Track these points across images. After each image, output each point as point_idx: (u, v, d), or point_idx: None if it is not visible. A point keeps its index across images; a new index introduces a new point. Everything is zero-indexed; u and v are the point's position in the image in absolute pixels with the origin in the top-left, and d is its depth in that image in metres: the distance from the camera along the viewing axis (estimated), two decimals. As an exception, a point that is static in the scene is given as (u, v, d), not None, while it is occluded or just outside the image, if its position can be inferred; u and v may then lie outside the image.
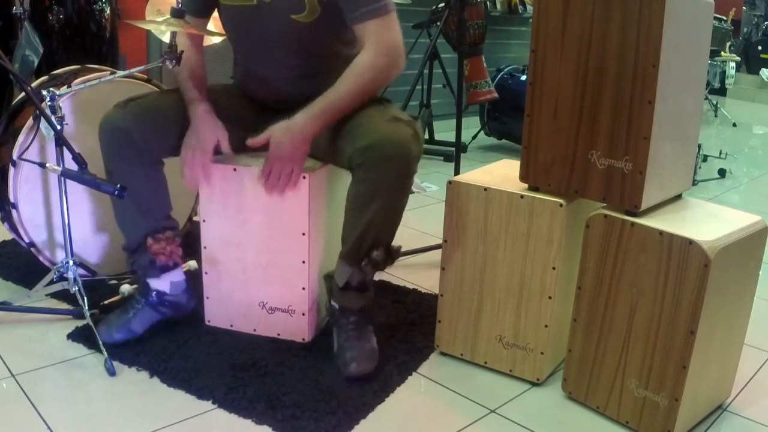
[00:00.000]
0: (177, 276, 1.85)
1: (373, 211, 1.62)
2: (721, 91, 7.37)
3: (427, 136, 4.35)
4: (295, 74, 1.79)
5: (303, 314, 1.85)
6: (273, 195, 1.73)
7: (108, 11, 2.92)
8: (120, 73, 1.93)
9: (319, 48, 1.75)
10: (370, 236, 1.65)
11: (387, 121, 1.61)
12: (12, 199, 1.99)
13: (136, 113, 1.71)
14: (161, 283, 1.83)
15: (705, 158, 4.23)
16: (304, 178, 1.76)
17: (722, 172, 4.11)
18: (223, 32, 1.86)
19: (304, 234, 1.79)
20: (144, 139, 1.70)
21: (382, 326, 1.94)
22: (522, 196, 1.66)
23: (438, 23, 3.47)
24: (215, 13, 1.86)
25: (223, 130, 1.74)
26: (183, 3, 1.73)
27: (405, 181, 1.62)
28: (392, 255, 1.72)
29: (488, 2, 4.69)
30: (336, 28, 1.72)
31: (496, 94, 4.01)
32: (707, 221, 1.56)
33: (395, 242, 1.73)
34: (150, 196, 1.77)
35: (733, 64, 6.56)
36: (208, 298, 1.93)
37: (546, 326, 1.69)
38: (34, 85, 2.09)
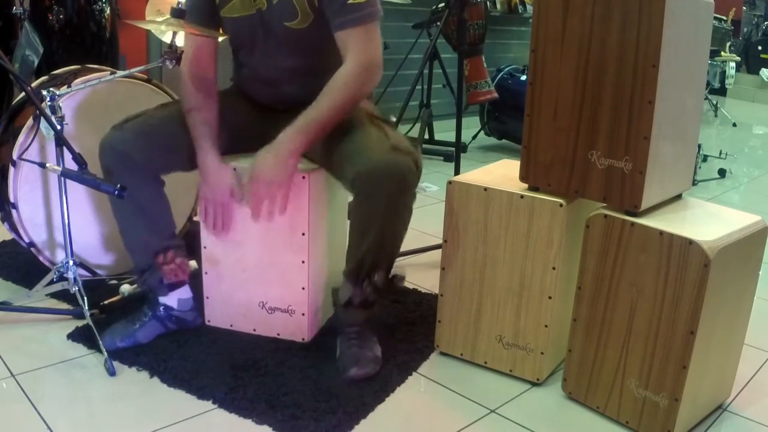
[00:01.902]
0: (185, 293, 1.87)
1: (371, 237, 1.63)
2: (721, 91, 7.37)
3: (427, 136, 4.35)
4: (295, 75, 1.80)
5: (303, 314, 1.85)
6: (261, 218, 1.71)
7: (108, 11, 2.92)
8: (120, 73, 1.93)
9: (315, 50, 1.76)
10: (369, 258, 1.67)
11: (386, 150, 1.60)
12: (12, 199, 1.99)
13: (136, 135, 1.71)
14: (169, 299, 1.84)
15: (705, 158, 4.23)
16: (303, 178, 1.76)
17: (722, 172, 4.11)
18: (223, 33, 1.86)
19: (303, 234, 1.79)
20: (146, 160, 1.71)
21: (382, 326, 1.94)
22: (522, 196, 1.66)
23: (438, 23, 3.47)
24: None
25: (234, 176, 1.76)
26: (189, 19, 1.74)
27: (402, 210, 1.64)
28: (393, 281, 1.75)
29: (488, 2, 4.69)
30: (329, 31, 1.73)
31: (496, 94, 4.01)
32: (707, 221, 1.56)
33: (399, 271, 1.75)
34: (156, 215, 1.79)
35: (733, 64, 6.55)
36: (208, 298, 1.93)
37: (546, 326, 1.69)
38: (34, 85, 2.09)
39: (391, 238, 1.68)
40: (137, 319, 1.83)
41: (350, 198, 1.67)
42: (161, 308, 1.84)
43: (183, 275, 1.84)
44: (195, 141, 1.76)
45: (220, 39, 1.86)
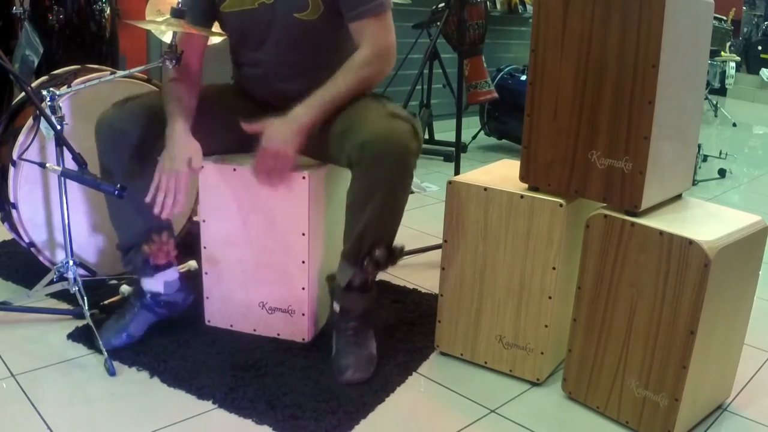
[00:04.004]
0: (170, 275, 1.85)
1: (372, 209, 1.61)
2: (721, 91, 7.37)
3: (427, 136, 4.35)
4: (298, 70, 1.80)
5: (303, 314, 1.85)
6: (267, 189, 1.69)
7: (108, 11, 2.92)
8: (120, 73, 1.93)
9: (323, 44, 1.77)
10: (370, 234, 1.64)
11: (384, 117, 1.61)
12: (12, 199, 1.99)
13: (134, 113, 1.71)
14: (155, 284, 1.83)
15: (705, 158, 4.23)
16: (303, 178, 1.76)
17: (722, 172, 4.11)
18: (222, 32, 1.86)
19: (304, 234, 1.79)
20: (141, 138, 1.70)
21: (382, 326, 1.94)
22: (522, 196, 1.66)
23: (438, 23, 3.47)
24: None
25: (196, 147, 1.70)
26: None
27: (403, 178, 1.62)
28: (394, 255, 1.71)
29: (488, 2, 4.69)
30: (339, 24, 1.73)
31: (496, 94, 4.01)
32: (707, 221, 1.56)
33: (397, 242, 1.73)
34: (145, 195, 1.77)
35: (733, 64, 6.55)
36: (208, 298, 1.93)
37: (546, 326, 1.69)
38: (34, 85, 2.09)
39: (395, 208, 1.65)
40: (127, 312, 1.82)
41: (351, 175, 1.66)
42: (148, 296, 1.83)
43: (169, 256, 1.82)
44: (167, 112, 1.72)
45: (219, 40, 1.85)
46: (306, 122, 1.66)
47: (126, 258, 1.82)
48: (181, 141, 1.68)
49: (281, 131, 1.65)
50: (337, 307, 1.77)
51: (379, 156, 1.56)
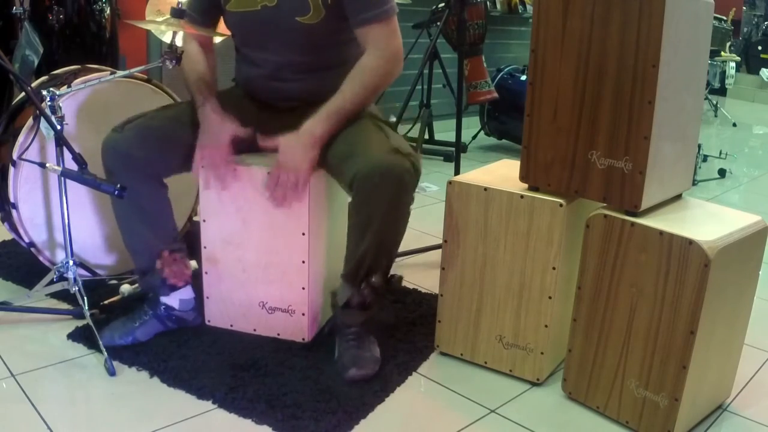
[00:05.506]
0: (187, 294, 1.87)
1: (368, 240, 1.64)
2: (721, 91, 7.36)
3: (427, 136, 4.35)
4: (300, 71, 1.80)
5: (303, 314, 1.85)
6: (278, 205, 1.74)
7: (108, 11, 2.92)
8: (120, 73, 1.93)
9: (324, 46, 1.78)
10: (367, 262, 1.68)
11: (386, 151, 1.62)
12: (12, 199, 1.99)
13: (136, 136, 1.72)
14: (171, 299, 1.85)
15: (705, 158, 4.23)
16: (304, 178, 1.76)
17: (722, 172, 4.11)
18: (224, 32, 1.87)
19: (304, 234, 1.79)
20: (147, 161, 1.72)
21: (382, 326, 1.94)
22: (522, 196, 1.66)
23: (438, 23, 3.47)
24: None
25: (234, 123, 1.77)
26: (189, 11, 1.74)
27: (399, 213, 1.64)
28: (392, 282, 1.76)
29: (488, 2, 4.69)
30: (341, 27, 1.74)
31: (496, 94, 4.01)
32: (707, 221, 1.56)
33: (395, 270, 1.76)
34: (158, 217, 1.80)
35: (733, 64, 6.55)
36: (208, 298, 1.93)
37: (546, 326, 1.69)
38: (34, 85, 2.09)
39: (390, 240, 1.69)
40: (137, 318, 1.83)
41: (350, 198, 1.68)
42: (162, 307, 1.84)
43: (184, 278, 1.84)
44: (194, 98, 1.79)
45: (219, 40, 1.86)
46: (319, 134, 1.69)
47: (143, 280, 1.85)
48: (219, 119, 1.75)
49: (296, 147, 1.69)
50: (337, 319, 1.79)
51: (376, 190, 1.58)
